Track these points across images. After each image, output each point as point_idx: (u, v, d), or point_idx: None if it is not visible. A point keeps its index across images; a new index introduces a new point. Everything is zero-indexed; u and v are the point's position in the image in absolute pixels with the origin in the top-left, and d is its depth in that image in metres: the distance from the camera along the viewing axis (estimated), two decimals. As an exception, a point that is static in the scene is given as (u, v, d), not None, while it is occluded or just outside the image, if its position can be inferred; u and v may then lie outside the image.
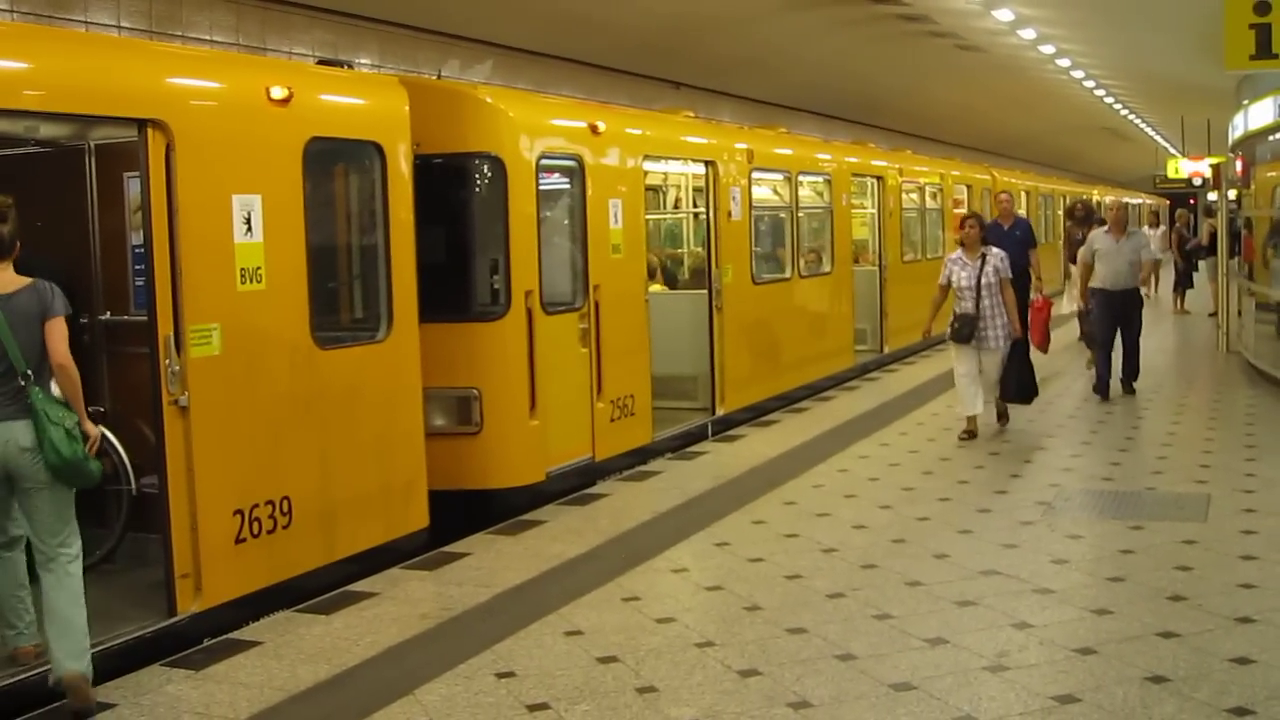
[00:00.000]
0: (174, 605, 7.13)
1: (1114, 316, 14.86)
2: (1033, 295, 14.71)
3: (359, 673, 6.56)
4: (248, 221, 7.50)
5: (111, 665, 6.62)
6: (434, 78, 13.46)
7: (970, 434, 12.55)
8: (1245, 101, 18.55)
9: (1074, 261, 18.21)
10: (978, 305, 12.34)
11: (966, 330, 12.36)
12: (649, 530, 9.37)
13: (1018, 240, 14.90)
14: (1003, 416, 13.09)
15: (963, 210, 23.48)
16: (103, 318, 8.36)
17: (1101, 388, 14.93)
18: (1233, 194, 20.82)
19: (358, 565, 8.32)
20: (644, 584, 7.97)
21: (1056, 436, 12.74)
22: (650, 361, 12.09)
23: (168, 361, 7.03)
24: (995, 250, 12.59)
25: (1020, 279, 13.82)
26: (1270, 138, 16.87)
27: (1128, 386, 15.24)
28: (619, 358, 11.35)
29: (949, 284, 12.64)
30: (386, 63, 14.73)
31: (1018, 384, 12.69)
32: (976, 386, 12.49)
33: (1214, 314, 21.82)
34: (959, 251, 12.73)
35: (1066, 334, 20.04)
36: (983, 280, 12.32)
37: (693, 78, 21.60)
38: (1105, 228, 15.10)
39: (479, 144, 10.09)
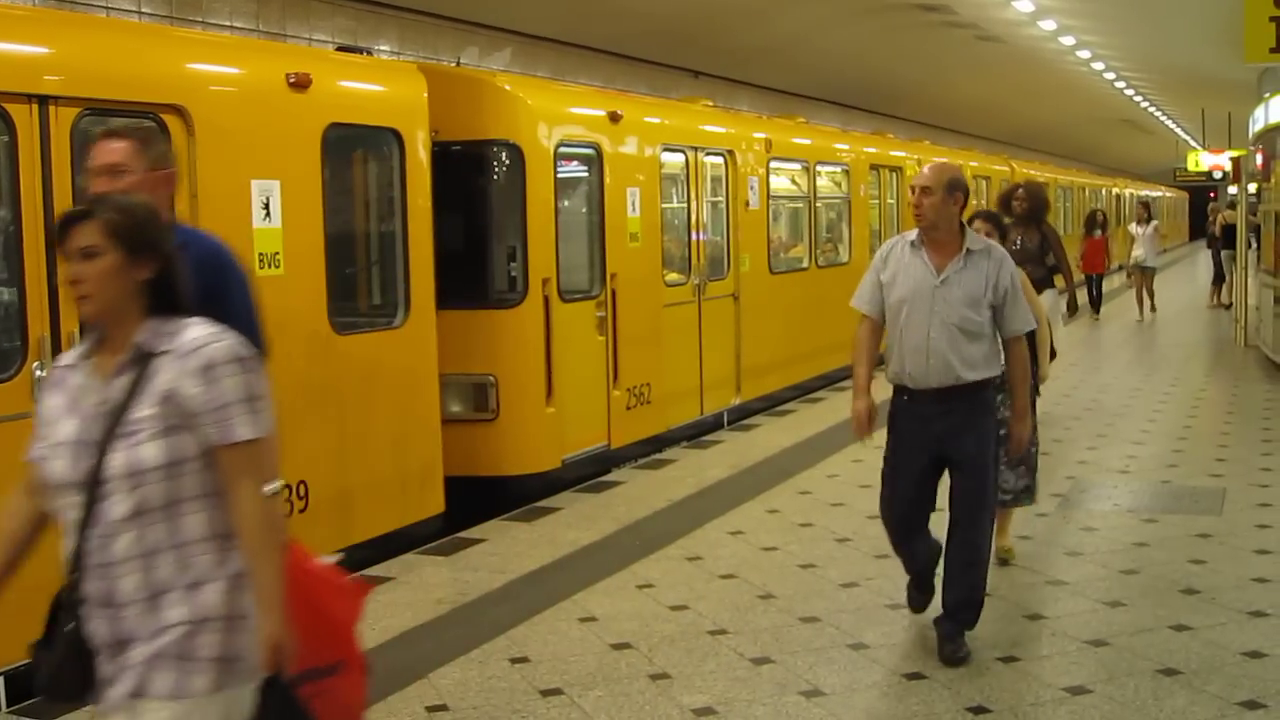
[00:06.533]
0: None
1: (926, 452, 6.77)
2: None
3: (373, 656, 6.53)
4: (266, 207, 7.54)
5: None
6: (453, 65, 13.49)
7: None
8: (1266, 95, 18.47)
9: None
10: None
11: (68, 678, 3.40)
12: (664, 518, 9.39)
13: None
14: None
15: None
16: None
17: (914, 600, 6.83)
18: (1253, 187, 20.77)
19: (373, 550, 8.35)
20: (658, 571, 7.99)
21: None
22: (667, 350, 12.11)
23: (186, 346, 7.05)
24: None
25: None
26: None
27: (947, 628, 6.36)
28: (635, 346, 11.37)
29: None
30: (406, 50, 14.74)
31: None
32: None
33: (1229, 306, 21.74)
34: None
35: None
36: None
37: (711, 67, 21.58)
38: (909, 236, 6.47)
39: (497, 131, 10.11)
